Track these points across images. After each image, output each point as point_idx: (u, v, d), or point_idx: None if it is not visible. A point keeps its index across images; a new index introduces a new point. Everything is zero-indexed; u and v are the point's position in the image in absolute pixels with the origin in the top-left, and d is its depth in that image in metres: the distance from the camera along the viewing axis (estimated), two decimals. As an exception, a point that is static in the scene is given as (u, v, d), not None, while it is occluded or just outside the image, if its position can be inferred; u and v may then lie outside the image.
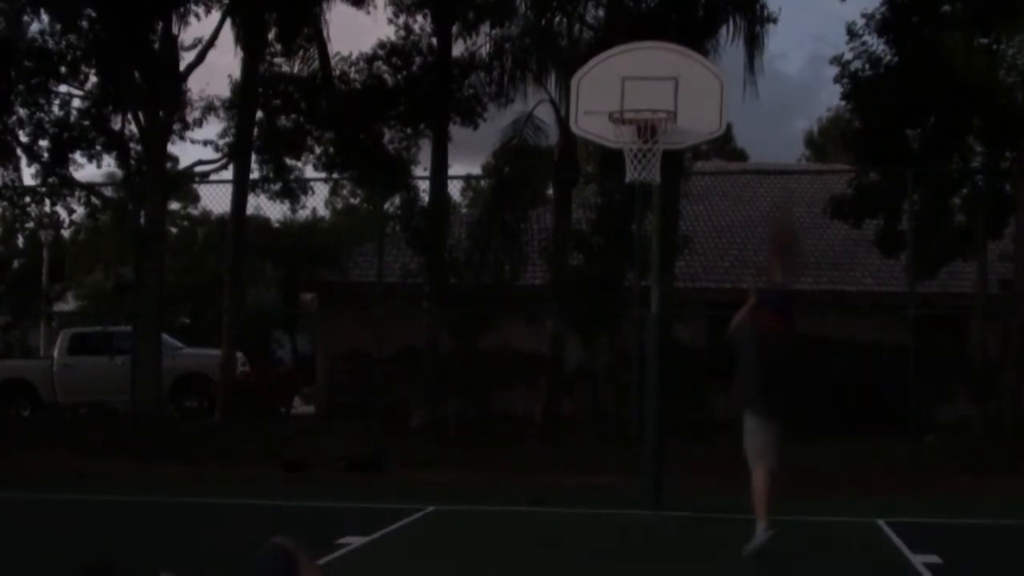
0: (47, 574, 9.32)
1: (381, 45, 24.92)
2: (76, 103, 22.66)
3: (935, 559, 10.00)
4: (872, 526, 12.14)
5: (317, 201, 28.91)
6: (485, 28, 24.77)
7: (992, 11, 19.28)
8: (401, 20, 25.04)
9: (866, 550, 11.07)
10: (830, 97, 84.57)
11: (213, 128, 77.63)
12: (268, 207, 28.09)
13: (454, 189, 28.56)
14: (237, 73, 24.87)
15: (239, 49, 24.07)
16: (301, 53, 24.65)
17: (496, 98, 24.49)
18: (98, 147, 23.07)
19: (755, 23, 22.41)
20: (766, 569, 10.06)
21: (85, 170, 24.38)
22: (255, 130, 24.50)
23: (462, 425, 22.07)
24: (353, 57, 24.98)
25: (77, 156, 23.15)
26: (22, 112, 22.12)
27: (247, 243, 26.17)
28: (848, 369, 23.51)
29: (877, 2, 21.46)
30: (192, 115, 24.78)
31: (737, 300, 11.34)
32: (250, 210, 25.89)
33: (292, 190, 26.47)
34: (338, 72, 24.78)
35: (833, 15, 57.87)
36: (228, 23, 22.90)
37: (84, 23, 21.23)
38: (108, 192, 25.78)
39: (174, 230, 30.34)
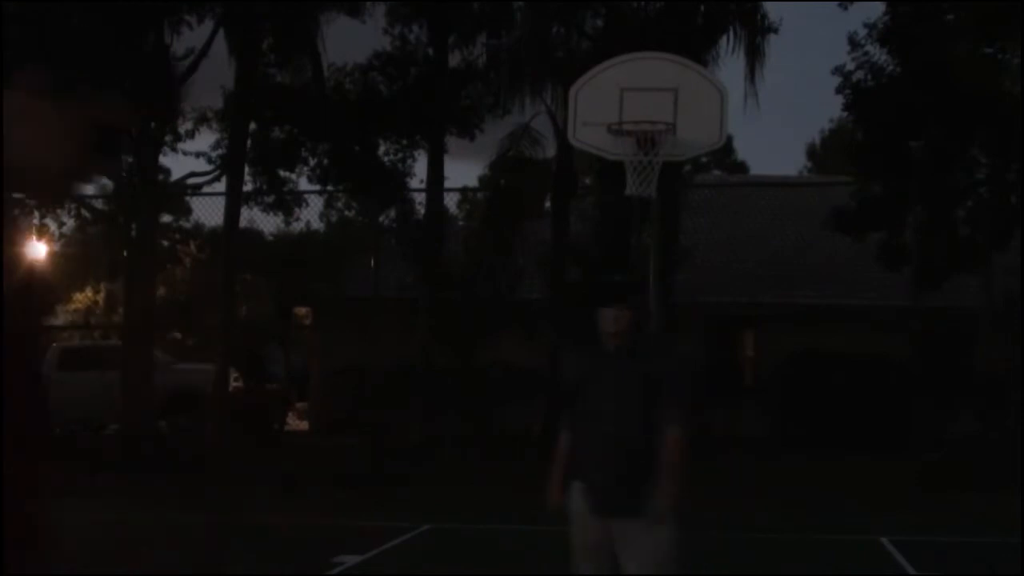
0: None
1: (376, 55, 24.70)
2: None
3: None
4: (875, 544, 11.99)
5: (312, 214, 28.65)
6: (482, 38, 24.62)
7: (996, 20, 19.09)
8: (397, 30, 24.82)
9: (869, 569, 10.89)
10: (832, 108, 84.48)
11: (206, 139, 77.57)
12: (261, 220, 27.85)
13: (450, 201, 28.31)
14: (230, 84, 24.69)
15: (232, 60, 23.86)
16: (294, 64, 24.41)
17: (493, 109, 24.30)
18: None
19: (756, 33, 22.21)
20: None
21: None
22: (248, 141, 24.26)
23: (459, 441, 21.83)
24: (348, 67, 24.77)
25: (67, 167, 22.87)
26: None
27: (240, 256, 25.92)
28: (852, 384, 23.31)
29: (879, 11, 21.33)
30: (184, 126, 24.54)
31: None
32: (243, 223, 25.65)
33: (286, 202, 26.22)
34: (332, 83, 24.55)
35: (835, 25, 58.18)
36: (221, 33, 22.68)
37: (74, 33, 20.99)
38: (99, 204, 25.54)
39: (166, 243, 30.10)
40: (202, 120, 25.02)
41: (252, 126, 24.09)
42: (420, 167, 25.42)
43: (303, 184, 26.25)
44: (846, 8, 21.80)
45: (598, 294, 6.59)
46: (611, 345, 6.24)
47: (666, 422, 6.05)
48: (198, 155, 24.81)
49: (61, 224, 26.11)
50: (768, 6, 25.71)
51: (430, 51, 24.75)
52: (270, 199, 25.82)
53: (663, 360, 6.38)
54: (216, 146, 25.04)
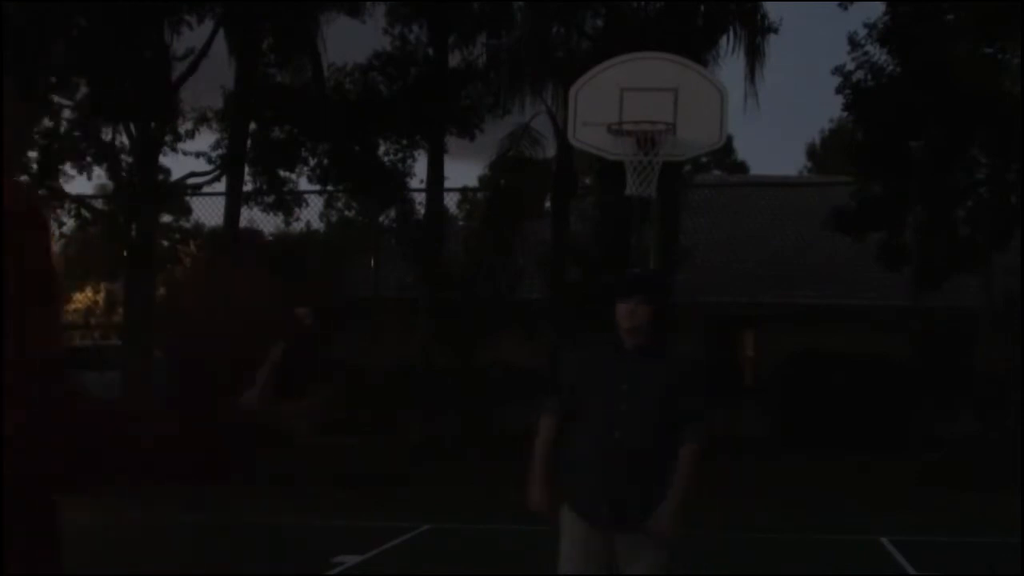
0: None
1: (376, 55, 24.70)
2: (66, 113, 22.42)
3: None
4: (875, 544, 11.98)
5: (312, 214, 28.65)
6: (482, 38, 24.61)
7: (996, 20, 19.08)
8: (397, 30, 24.82)
9: (869, 569, 10.88)
10: (832, 108, 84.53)
11: (206, 139, 77.56)
12: (261, 220, 27.84)
13: (450, 201, 28.30)
14: (230, 84, 24.71)
15: (232, 60, 23.88)
16: (294, 64, 24.41)
17: (493, 109, 24.29)
18: (88, 159, 22.82)
19: (756, 33, 22.22)
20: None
21: (75, 182, 24.41)
22: (248, 141, 24.26)
23: (459, 441, 21.82)
24: (348, 67, 24.77)
25: (67, 168, 22.92)
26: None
27: (240, 256, 25.91)
28: (852, 384, 23.28)
29: (879, 11, 21.33)
30: (184, 126, 24.55)
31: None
32: (243, 223, 25.67)
33: (286, 202, 26.22)
34: (332, 83, 24.54)
35: (835, 25, 58.33)
36: (221, 33, 22.68)
37: (75, 32, 21.00)
38: (99, 205, 25.54)
39: (166, 243, 30.10)
40: (202, 120, 25.04)
41: (252, 126, 24.10)
42: (420, 167, 25.46)
43: (303, 184, 26.28)
44: (846, 8, 21.81)
45: (613, 288, 5.93)
46: (628, 343, 5.63)
47: (686, 434, 5.56)
48: (198, 155, 24.82)
49: (61, 224, 26.13)
50: (768, 6, 25.79)
51: (430, 51, 24.74)
52: (270, 199, 25.83)
53: (683, 365, 5.91)
54: (216, 146, 25.06)
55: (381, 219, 26.35)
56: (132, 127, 21.46)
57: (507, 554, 11.77)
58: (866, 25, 21.35)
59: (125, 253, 22.92)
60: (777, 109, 73.53)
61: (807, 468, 18.81)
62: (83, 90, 22.11)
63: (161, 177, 24.10)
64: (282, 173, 25.32)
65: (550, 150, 24.53)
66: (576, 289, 22.62)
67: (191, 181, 24.11)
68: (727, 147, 45.46)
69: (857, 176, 22.32)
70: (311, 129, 24.22)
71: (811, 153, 59.32)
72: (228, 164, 23.50)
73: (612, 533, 5.61)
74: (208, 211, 27.14)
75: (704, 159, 40.19)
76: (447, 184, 25.31)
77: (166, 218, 30.86)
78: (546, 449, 5.79)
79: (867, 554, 11.58)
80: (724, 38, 22.23)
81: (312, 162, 24.96)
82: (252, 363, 1.94)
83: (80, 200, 24.56)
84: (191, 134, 24.80)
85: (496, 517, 14.01)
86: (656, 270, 16.42)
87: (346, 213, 29.84)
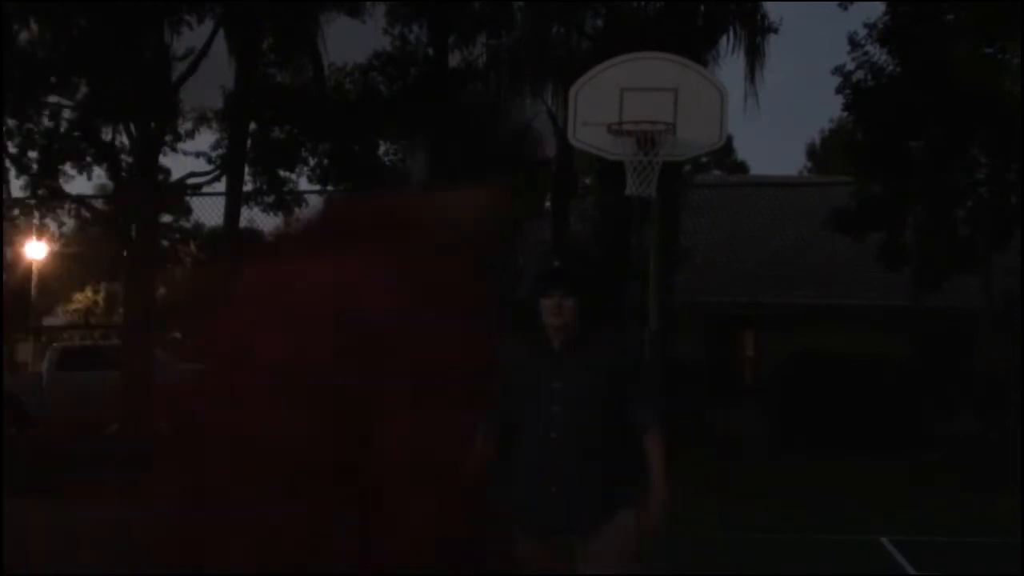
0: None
1: (376, 55, 24.71)
2: (66, 114, 22.43)
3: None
4: (875, 544, 11.97)
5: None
6: (482, 38, 24.61)
7: (996, 20, 19.09)
8: (397, 30, 24.83)
9: (869, 569, 10.87)
10: (832, 108, 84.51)
11: (206, 139, 77.48)
12: (262, 220, 27.85)
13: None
14: (230, 84, 24.73)
15: (232, 60, 23.88)
16: (294, 64, 24.41)
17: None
18: (88, 159, 22.83)
19: (756, 33, 22.24)
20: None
21: (75, 182, 24.46)
22: (248, 141, 24.25)
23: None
24: (348, 67, 24.77)
25: (67, 168, 22.93)
26: (11, 122, 21.89)
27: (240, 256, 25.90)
28: (852, 384, 23.28)
29: (879, 11, 21.34)
30: (184, 126, 24.54)
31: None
32: (243, 223, 25.65)
33: (286, 202, 26.20)
34: (332, 83, 24.54)
35: (835, 25, 58.19)
36: (221, 33, 22.67)
37: (75, 32, 20.99)
38: (99, 204, 25.54)
39: (166, 243, 30.11)
40: (202, 120, 25.04)
41: (252, 126, 24.08)
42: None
43: (303, 184, 26.25)
44: (846, 8, 21.80)
45: (537, 284, 5.71)
46: (556, 339, 5.45)
47: (642, 423, 5.28)
48: (198, 155, 24.82)
49: (61, 224, 26.17)
50: (768, 6, 25.86)
51: (430, 51, 24.73)
52: (270, 199, 25.80)
53: (622, 354, 5.59)
54: (216, 146, 25.06)
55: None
56: (132, 127, 21.44)
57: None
58: (866, 25, 21.36)
59: (125, 253, 22.91)
60: (777, 109, 73.43)
61: (807, 468, 18.78)
62: (83, 90, 22.12)
63: (161, 177, 24.09)
64: (282, 173, 25.31)
65: (551, 150, 24.54)
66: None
67: (191, 181, 24.10)
68: (727, 147, 45.49)
69: (857, 176, 22.31)
70: (311, 129, 24.20)
71: (811, 153, 59.34)
72: (228, 164, 23.49)
73: (568, 538, 5.32)
74: (208, 211, 27.11)
75: (704, 159, 40.23)
76: (447, 184, 25.28)
77: (166, 218, 30.88)
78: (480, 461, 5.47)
79: (867, 554, 11.56)
80: (724, 38, 22.27)
81: (312, 162, 24.96)
82: None
83: (80, 200, 24.56)
84: (191, 134, 24.82)
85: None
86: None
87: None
